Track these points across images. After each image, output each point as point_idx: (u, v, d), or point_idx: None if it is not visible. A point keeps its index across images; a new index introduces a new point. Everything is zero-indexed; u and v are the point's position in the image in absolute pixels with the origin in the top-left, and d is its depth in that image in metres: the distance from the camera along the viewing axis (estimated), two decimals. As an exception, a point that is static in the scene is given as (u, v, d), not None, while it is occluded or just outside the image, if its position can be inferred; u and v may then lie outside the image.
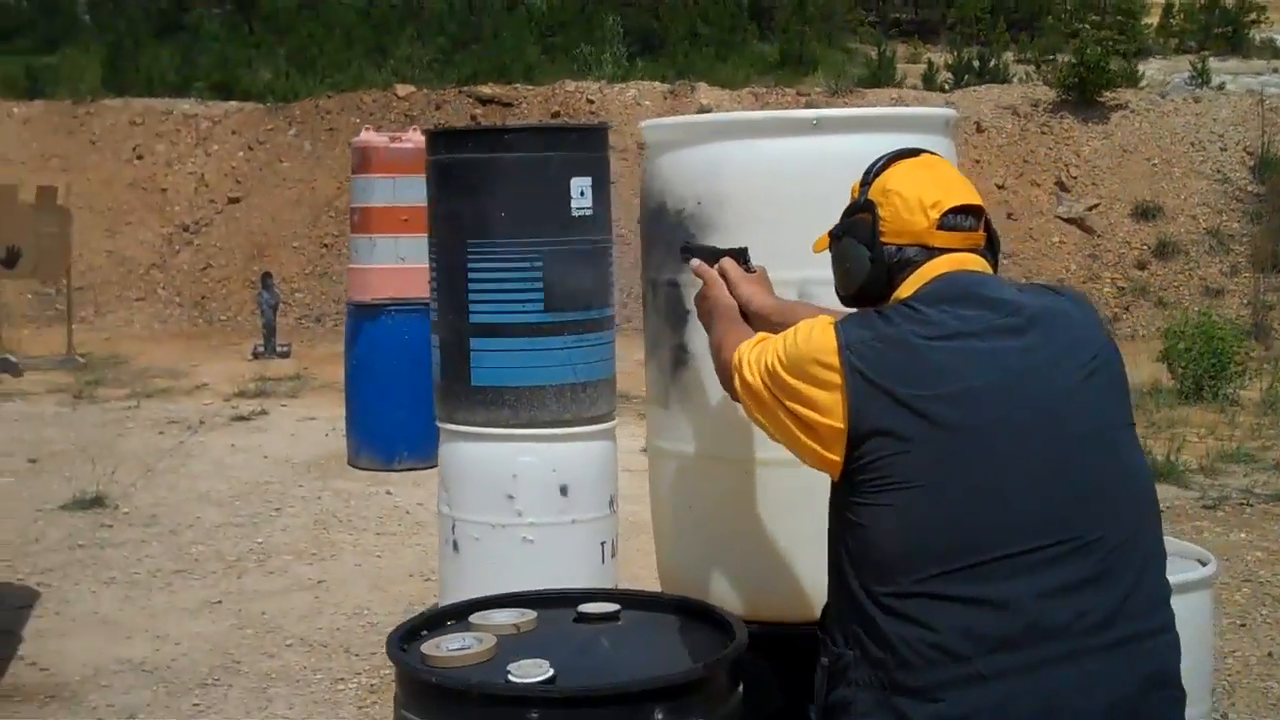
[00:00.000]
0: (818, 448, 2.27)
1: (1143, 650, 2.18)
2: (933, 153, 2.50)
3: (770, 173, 3.06)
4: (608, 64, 20.14)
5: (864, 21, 25.63)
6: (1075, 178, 16.73)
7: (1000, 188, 16.76)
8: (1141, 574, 2.22)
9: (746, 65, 21.49)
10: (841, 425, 2.23)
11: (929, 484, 2.17)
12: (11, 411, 11.27)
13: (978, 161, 16.91)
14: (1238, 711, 5.00)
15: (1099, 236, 16.15)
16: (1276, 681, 5.28)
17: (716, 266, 2.81)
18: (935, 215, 2.37)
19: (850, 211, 2.48)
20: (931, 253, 2.37)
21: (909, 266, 2.38)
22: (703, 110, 17.71)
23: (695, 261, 2.87)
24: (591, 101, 18.19)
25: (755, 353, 2.40)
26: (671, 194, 3.21)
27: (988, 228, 2.47)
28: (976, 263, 2.40)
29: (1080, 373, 2.26)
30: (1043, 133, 17.23)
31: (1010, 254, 16.13)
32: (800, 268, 2.73)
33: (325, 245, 17.60)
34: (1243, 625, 5.89)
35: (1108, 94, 17.38)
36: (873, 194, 2.43)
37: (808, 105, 17.78)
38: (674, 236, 3.18)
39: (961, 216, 2.39)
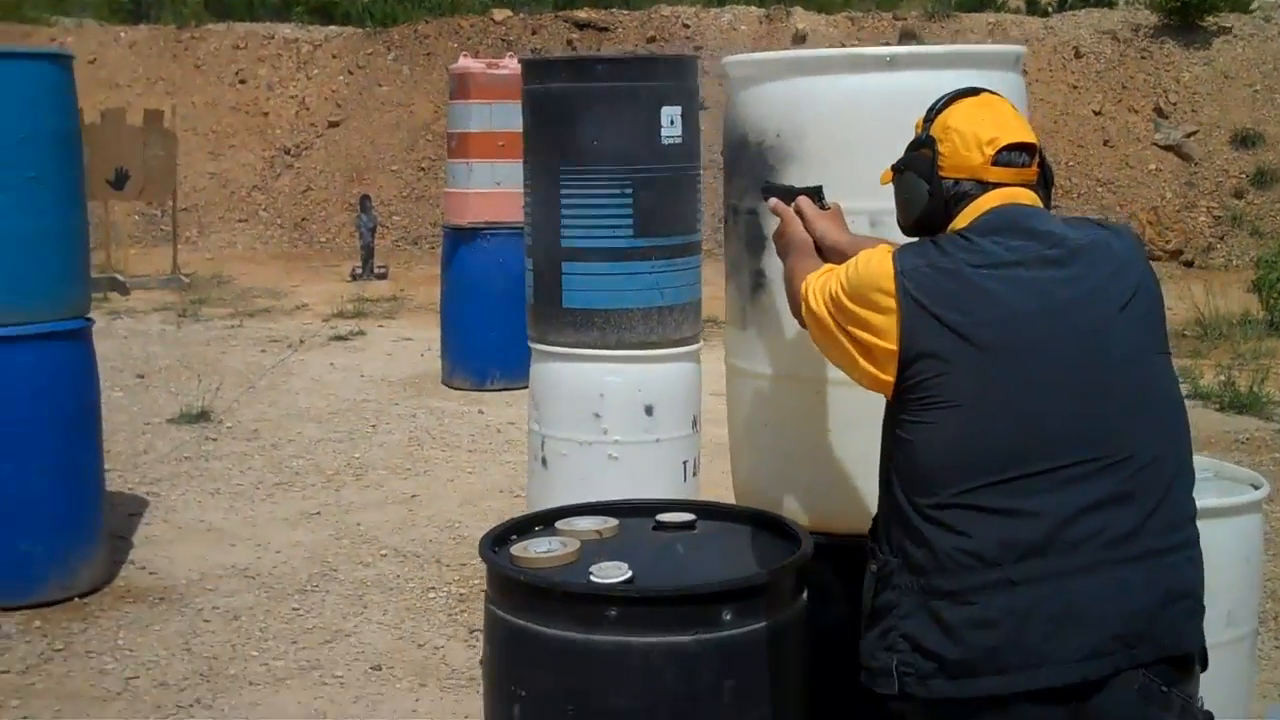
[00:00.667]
0: (872, 369, 2.44)
1: (1163, 565, 2.32)
2: (993, 92, 2.61)
3: (846, 107, 3.17)
4: (703, -13, 20.04)
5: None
6: (1174, 104, 16.47)
7: (1097, 114, 16.56)
8: (1167, 493, 2.36)
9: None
10: (894, 347, 2.38)
11: (970, 403, 2.33)
12: (120, 329, 11.63)
13: (1075, 87, 16.71)
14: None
15: (1196, 164, 15.93)
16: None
17: (793, 204, 2.95)
18: (990, 152, 2.50)
19: (912, 147, 2.61)
20: (986, 187, 2.51)
21: (965, 199, 2.52)
22: (798, 36, 17.63)
23: (773, 200, 3.01)
24: (687, 26, 18.15)
25: (820, 281, 2.56)
26: (752, 127, 3.34)
27: (1042, 164, 2.59)
28: (1028, 197, 2.53)
29: (1118, 303, 2.39)
30: (1142, 58, 16.95)
31: (1106, 181, 15.96)
32: (873, 199, 2.84)
33: (422, 169, 17.81)
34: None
35: (1210, 18, 17.05)
36: (934, 130, 2.57)
37: (904, 30, 17.63)
38: (755, 167, 3.30)
39: (1016, 153, 2.52)
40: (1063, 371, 2.34)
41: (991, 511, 2.31)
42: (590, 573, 2.70)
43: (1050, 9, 19.80)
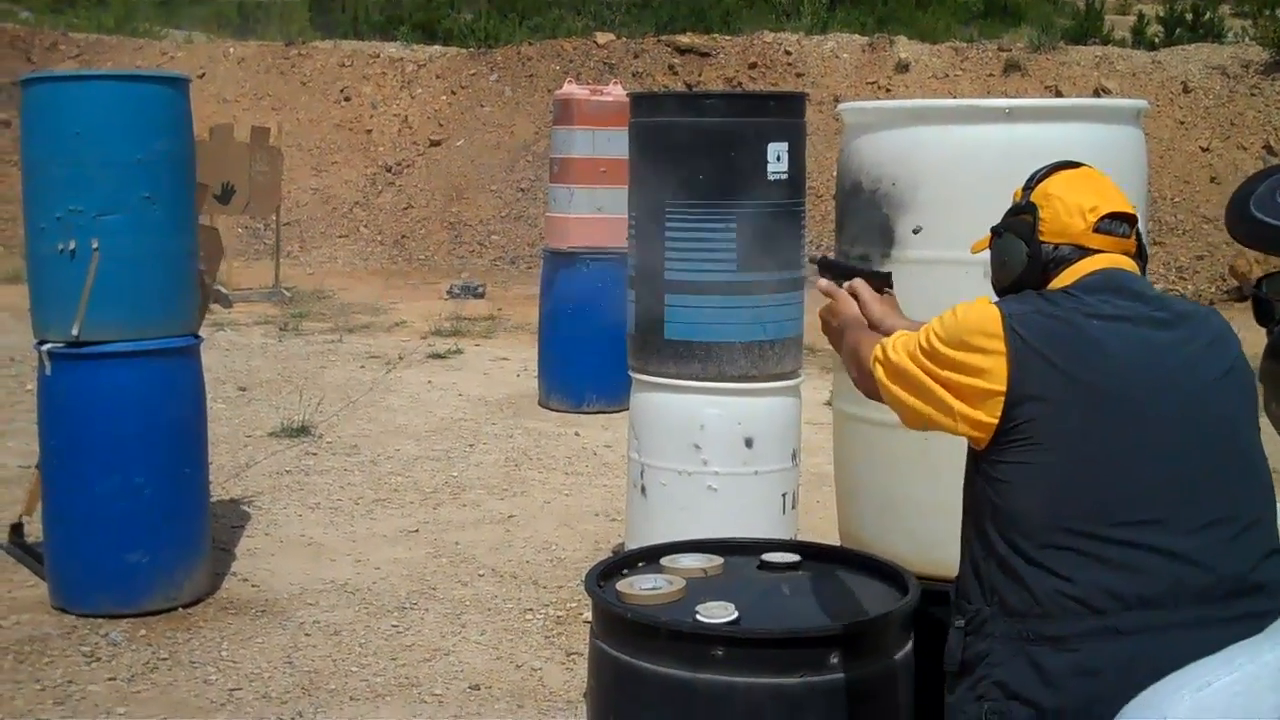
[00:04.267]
0: (971, 411, 2.43)
1: (1259, 627, 2.31)
2: (1092, 167, 2.65)
3: (963, 158, 3.20)
4: (806, 14, 20.06)
5: (1074, -31, 25.04)
6: (1284, 142, 16.22)
7: (1204, 150, 16.33)
8: (1266, 557, 2.38)
9: (948, 15, 21.22)
10: (1001, 388, 2.39)
11: (1075, 446, 2.35)
12: (222, 341, 11.83)
13: (1182, 123, 16.51)
14: None
15: (1305, 204, 15.68)
16: None
17: (847, 286, 2.93)
18: (1092, 219, 2.54)
19: (1012, 213, 2.65)
20: (1086, 252, 2.55)
21: (1064, 264, 2.55)
22: (900, 65, 17.57)
23: (823, 282, 2.99)
24: (789, 53, 18.15)
25: (901, 340, 2.57)
26: (867, 174, 3.37)
27: (1138, 237, 2.62)
28: (1128, 264, 2.57)
29: (1218, 371, 2.43)
30: (1252, 94, 16.70)
31: (1213, 218, 15.71)
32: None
33: (521, 189, 17.97)
34: None
35: (1324, 55, 16.79)
36: (1034, 197, 2.61)
37: (1009, 60, 17.50)
38: (868, 214, 3.34)
39: (1116, 222, 2.56)
40: (1166, 427, 2.36)
41: (1094, 558, 2.32)
42: (696, 611, 2.74)
43: (1157, 40, 19.59)
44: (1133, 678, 2.25)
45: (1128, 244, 2.58)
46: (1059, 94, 16.73)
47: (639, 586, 2.89)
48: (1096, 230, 2.54)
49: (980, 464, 2.48)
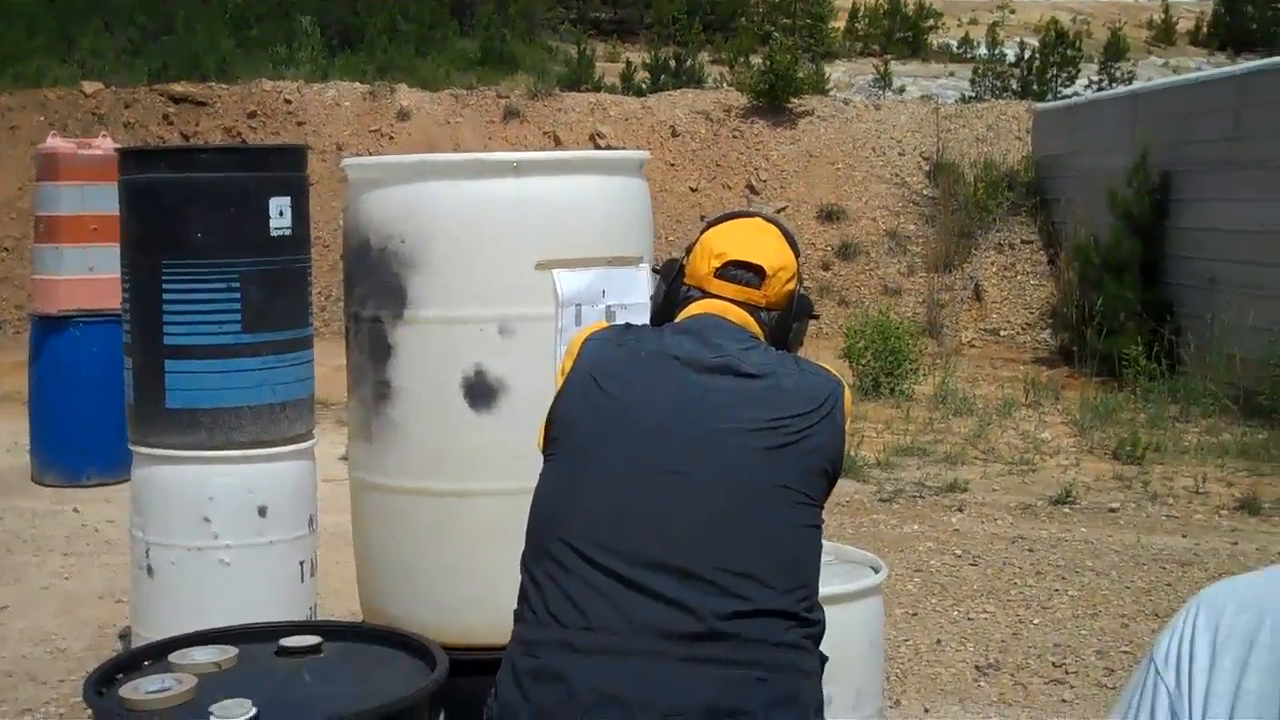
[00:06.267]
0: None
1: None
2: (760, 219, 2.71)
3: (474, 213, 3.13)
4: (304, 62, 19.74)
5: (564, 20, 25.84)
6: (765, 181, 17.27)
7: (694, 190, 17.17)
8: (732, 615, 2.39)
9: (447, 62, 21.36)
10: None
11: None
12: None
13: (672, 165, 17.29)
14: (909, 697, 5.32)
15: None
16: (944, 667, 5.64)
17: None
18: (716, 264, 2.62)
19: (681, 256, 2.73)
20: (707, 296, 2.62)
21: (686, 303, 2.62)
22: (402, 113, 17.57)
23: None
24: (289, 101, 17.80)
25: None
26: (375, 231, 3.25)
27: (794, 296, 2.67)
28: (735, 314, 2.59)
29: (756, 425, 2.42)
30: (734, 137, 17.72)
31: (705, 255, 16.52)
32: (501, 304, 2.80)
33: (5, 249, 16.74)
34: (914, 615, 6.25)
35: (795, 100, 18.00)
36: (697, 243, 2.70)
37: (508, 107, 17.82)
38: (377, 273, 3.21)
39: (741, 270, 2.62)
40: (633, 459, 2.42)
41: (569, 575, 2.36)
42: (210, 713, 2.52)
43: (645, 86, 20.48)
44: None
45: (752, 293, 2.61)
46: (557, 139, 17.19)
47: (144, 690, 2.63)
48: (718, 275, 2.60)
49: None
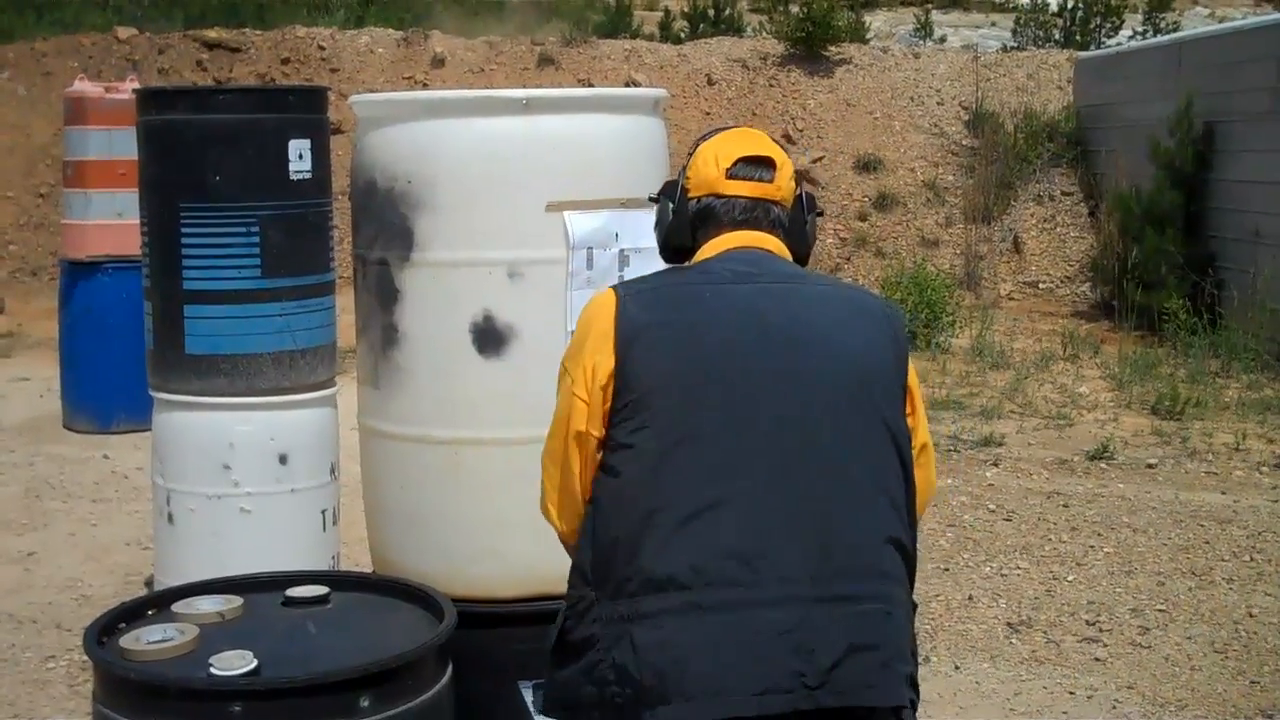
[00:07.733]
0: None
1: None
2: (750, 128, 2.60)
3: (482, 152, 3.04)
4: (339, 8, 19.64)
5: (604, -34, 25.61)
6: (801, 130, 17.07)
7: (731, 140, 17.01)
8: None
9: (484, 10, 21.23)
10: None
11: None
12: None
13: (708, 114, 17.11)
14: (939, 653, 5.24)
15: (823, 188, 16.54)
16: (975, 624, 5.55)
17: None
18: (725, 164, 2.49)
19: (671, 180, 2.59)
20: (725, 200, 2.49)
21: (709, 219, 2.50)
22: (436, 59, 17.46)
23: None
24: (323, 49, 17.69)
25: None
26: (382, 171, 3.17)
27: (804, 197, 2.57)
28: (772, 244, 2.49)
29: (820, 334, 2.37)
30: (771, 85, 17.51)
31: (741, 205, 16.37)
32: (510, 248, 2.72)
33: (41, 195, 16.75)
34: (946, 570, 6.17)
35: (833, 49, 17.76)
36: (689, 162, 2.55)
37: (542, 54, 17.68)
38: (384, 214, 3.13)
39: (751, 166, 2.51)
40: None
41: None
42: (210, 664, 2.46)
43: (683, 34, 20.27)
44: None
45: (767, 187, 2.50)
46: (590, 86, 17.04)
47: (145, 640, 2.58)
48: (730, 176, 2.48)
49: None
